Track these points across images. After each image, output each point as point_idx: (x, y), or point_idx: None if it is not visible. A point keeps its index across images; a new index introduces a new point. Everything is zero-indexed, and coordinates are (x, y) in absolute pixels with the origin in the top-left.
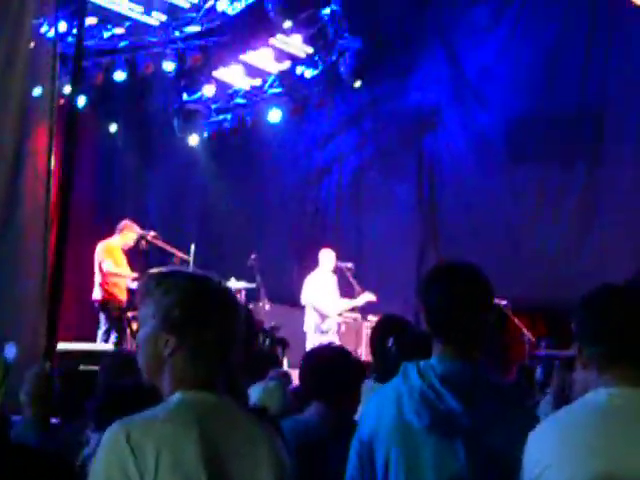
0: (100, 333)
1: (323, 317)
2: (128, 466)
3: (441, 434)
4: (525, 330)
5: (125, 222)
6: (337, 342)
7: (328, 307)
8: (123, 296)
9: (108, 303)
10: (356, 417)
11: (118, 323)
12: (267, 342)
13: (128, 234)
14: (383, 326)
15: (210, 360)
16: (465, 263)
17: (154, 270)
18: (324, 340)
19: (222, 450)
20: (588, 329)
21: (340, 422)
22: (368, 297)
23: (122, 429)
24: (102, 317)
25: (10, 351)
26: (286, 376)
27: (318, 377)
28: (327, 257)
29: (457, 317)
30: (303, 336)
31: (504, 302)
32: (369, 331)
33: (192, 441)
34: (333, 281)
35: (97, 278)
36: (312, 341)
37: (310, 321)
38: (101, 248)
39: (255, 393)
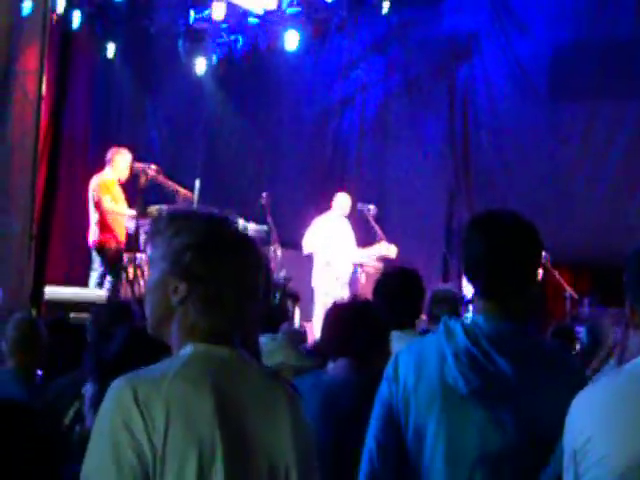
0: (94, 277)
1: (329, 264)
2: (135, 427)
3: (489, 399)
4: (567, 286)
5: (112, 150)
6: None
7: (336, 254)
8: (122, 237)
9: (105, 245)
10: None
11: (114, 266)
12: (277, 295)
13: (118, 161)
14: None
15: (225, 311)
16: (511, 212)
17: (166, 207)
18: (332, 291)
19: (238, 410)
20: None
21: (372, 380)
22: (386, 250)
23: (128, 386)
24: (96, 259)
25: None
26: (300, 332)
27: (346, 331)
28: (341, 201)
29: (506, 273)
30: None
31: (544, 254)
32: None
33: (205, 400)
34: (347, 228)
35: (92, 217)
36: (319, 291)
37: (316, 270)
38: (96, 183)
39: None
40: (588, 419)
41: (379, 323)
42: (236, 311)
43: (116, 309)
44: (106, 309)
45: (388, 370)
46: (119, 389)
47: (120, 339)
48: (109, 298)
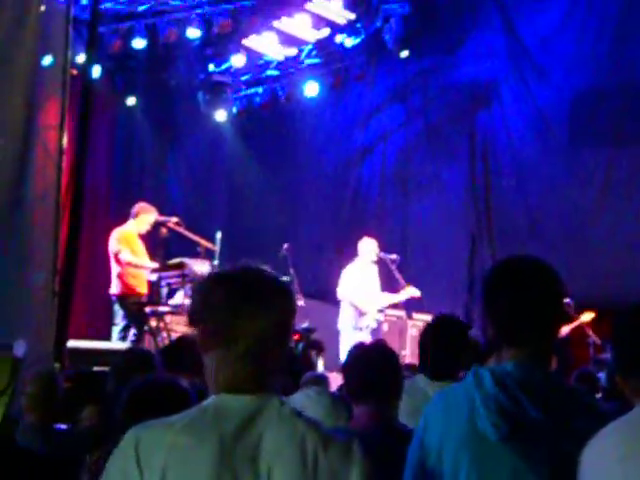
0: (116, 330)
1: (360, 313)
2: (131, 475)
3: (519, 444)
4: (589, 331)
5: (139, 205)
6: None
7: (367, 302)
8: (143, 289)
9: (127, 297)
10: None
11: (137, 319)
12: (300, 345)
13: (144, 217)
14: (441, 325)
15: (245, 359)
16: (533, 258)
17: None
18: (359, 339)
19: (243, 460)
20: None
21: (389, 426)
22: (412, 292)
23: (133, 435)
24: (119, 312)
25: (19, 348)
26: (323, 380)
27: (365, 377)
28: (368, 247)
29: (533, 320)
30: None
31: (567, 300)
32: (414, 331)
33: (206, 452)
34: (374, 274)
35: (114, 270)
36: (347, 340)
37: (346, 318)
38: (115, 236)
39: (297, 402)
40: (595, 468)
41: (398, 366)
42: (257, 358)
43: (135, 358)
44: (125, 358)
45: (419, 423)
46: (127, 436)
47: (122, 400)
48: (129, 348)
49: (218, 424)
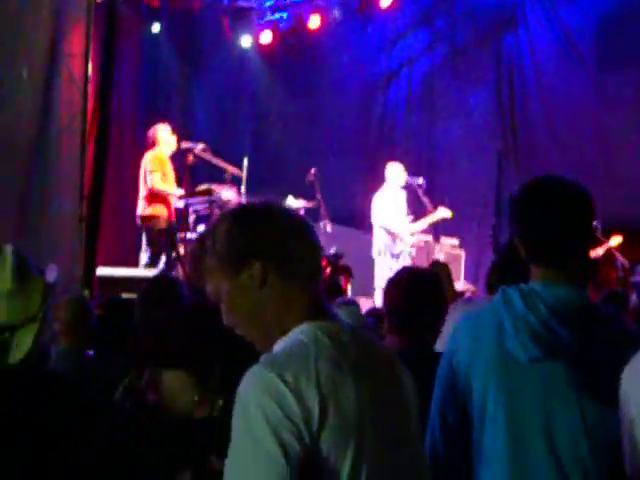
0: (144, 257)
1: (394, 238)
2: (293, 412)
3: (549, 367)
4: (618, 254)
5: (152, 129)
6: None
7: (401, 226)
8: (171, 215)
9: (153, 220)
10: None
11: (165, 245)
12: (329, 270)
13: (162, 136)
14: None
15: (308, 285)
16: (565, 179)
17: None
18: (396, 265)
19: (374, 392)
20: None
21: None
22: (444, 213)
23: (272, 372)
24: (145, 238)
25: (51, 273)
26: (354, 304)
27: (401, 305)
28: (396, 171)
29: (564, 239)
30: (368, 262)
31: (595, 223)
32: (442, 255)
33: (347, 381)
34: (403, 198)
35: (142, 191)
36: (382, 266)
37: (379, 244)
38: (149, 158)
39: None
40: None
41: (438, 296)
42: (314, 285)
43: (164, 286)
44: (153, 287)
45: (448, 344)
46: (264, 376)
47: (160, 325)
48: (157, 275)
49: (340, 351)
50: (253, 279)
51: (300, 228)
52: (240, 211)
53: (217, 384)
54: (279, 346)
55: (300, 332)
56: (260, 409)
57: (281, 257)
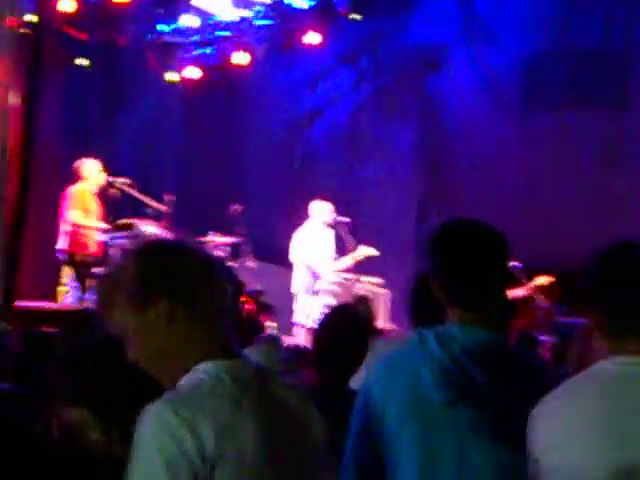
0: (63, 290)
1: (315, 276)
2: (188, 448)
3: (466, 410)
4: (538, 295)
5: (77, 162)
6: (332, 304)
7: (322, 264)
8: (92, 249)
9: (74, 255)
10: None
11: (84, 279)
12: (250, 306)
13: (87, 170)
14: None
15: (214, 325)
16: (479, 221)
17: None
18: (316, 303)
19: (275, 430)
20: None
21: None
22: (368, 251)
23: (168, 408)
24: (67, 272)
25: None
26: (276, 340)
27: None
28: (322, 209)
29: (480, 281)
30: (292, 298)
31: (516, 264)
32: (362, 293)
33: (244, 417)
34: (329, 236)
35: (63, 226)
36: (302, 303)
37: (300, 281)
38: (70, 194)
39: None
40: (550, 425)
41: (357, 335)
42: (220, 324)
43: (84, 318)
44: (74, 318)
45: (363, 384)
46: (161, 413)
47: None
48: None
49: (238, 388)
50: (159, 317)
51: (209, 268)
52: (149, 248)
53: (120, 421)
54: (181, 383)
55: (202, 370)
56: (156, 445)
57: (188, 296)
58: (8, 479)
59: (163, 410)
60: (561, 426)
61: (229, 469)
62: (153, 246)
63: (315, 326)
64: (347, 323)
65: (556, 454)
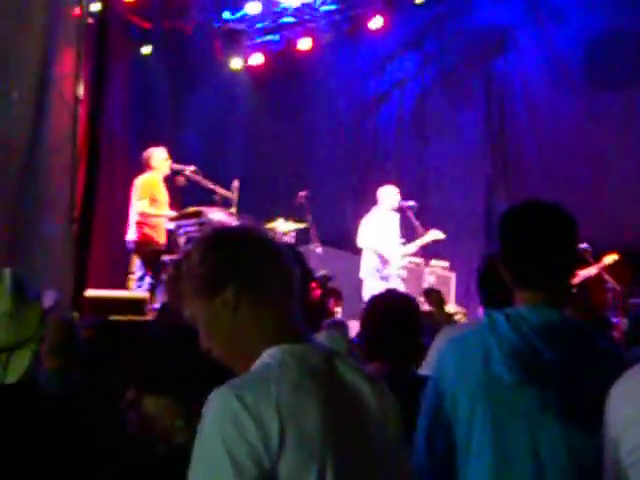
0: (133, 279)
1: (384, 261)
2: (250, 435)
3: (536, 390)
4: (609, 277)
5: (146, 151)
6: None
7: (390, 249)
8: (161, 238)
9: (144, 245)
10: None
11: (153, 268)
12: (318, 292)
13: (156, 159)
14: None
15: (280, 309)
16: (549, 202)
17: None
18: (384, 288)
19: (338, 407)
20: None
21: (404, 376)
22: (436, 235)
23: (232, 395)
24: (136, 261)
25: (49, 298)
26: (342, 325)
27: (380, 331)
28: (389, 194)
29: (549, 263)
30: (359, 284)
31: (584, 245)
32: (432, 278)
33: (310, 403)
34: (396, 221)
35: (132, 217)
36: (371, 289)
37: (369, 266)
38: (138, 184)
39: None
40: (630, 403)
41: (416, 322)
42: (287, 309)
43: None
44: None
45: (434, 369)
46: (224, 398)
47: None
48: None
49: (305, 374)
50: (226, 304)
51: (274, 253)
52: (214, 236)
53: (199, 410)
54: (252, 370)
55: (269, 356)
56: (217, 431)
57: (254, 282)
58: (92, 468)
59: (226, 396)
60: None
61: (293, 455)
62: (218, 234)
63: None
64: (390, 310)
65: (637, 432)
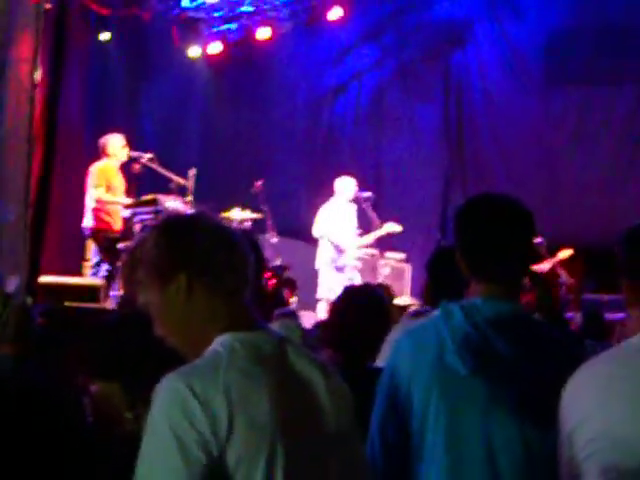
0: (88, 266)
1: (340, 252)
2: (197, 421)
3: (490, 381)
4: (562, 272)
5: (103, 138)
6: (357, 280)
7: (347, 240)
8: (117, 225)
9: (99, 232)
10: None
11: (110, 254)
12: (273, 282)
13: (112, 146)
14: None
15: (233, 296)
16: (505, 196)
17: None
18: (340, 278)
19: (288, 393)
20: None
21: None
22: (392, 227)
23: (181, 382)
24: (91, 248)
25: (11, 284)
26: (293, 316)
27: (356, 319)
28: (346, 185)
29: (505, 255)
30: (314, 274)
31: (538, 239)
32: (386, 270)
33: (260, 388)
34: (352, 212)
35: (88, 203)
36: (326, 278)
37: (324, 256)
38: (94, 171)
39: None
40: (585, 397)
41: (388, 318)
42: (240, 297)
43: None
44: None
45: (389, 359)
46: (172, 385)
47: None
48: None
49: (254, 360)
50: (179, 291)
51: (228, 240)
52: (167, 223)
53: (146, 397)
54: (202, 357)
55: (219, 343)
56: (165, 417)
57: (207, 269)
58: (36, 452)
59: (174, 383)
60: (597, 398)
61: (243, 441)
62: (171, 221)
63: None
64: (362, 303)
65: (592, 426)
